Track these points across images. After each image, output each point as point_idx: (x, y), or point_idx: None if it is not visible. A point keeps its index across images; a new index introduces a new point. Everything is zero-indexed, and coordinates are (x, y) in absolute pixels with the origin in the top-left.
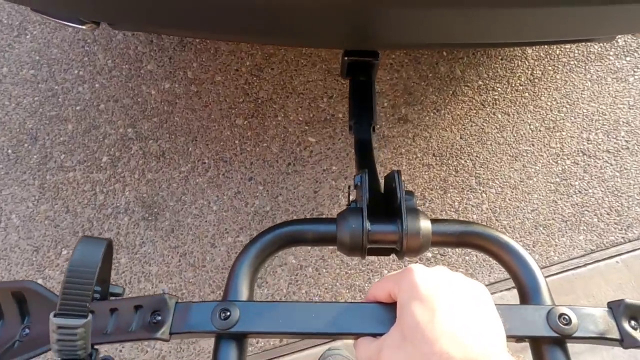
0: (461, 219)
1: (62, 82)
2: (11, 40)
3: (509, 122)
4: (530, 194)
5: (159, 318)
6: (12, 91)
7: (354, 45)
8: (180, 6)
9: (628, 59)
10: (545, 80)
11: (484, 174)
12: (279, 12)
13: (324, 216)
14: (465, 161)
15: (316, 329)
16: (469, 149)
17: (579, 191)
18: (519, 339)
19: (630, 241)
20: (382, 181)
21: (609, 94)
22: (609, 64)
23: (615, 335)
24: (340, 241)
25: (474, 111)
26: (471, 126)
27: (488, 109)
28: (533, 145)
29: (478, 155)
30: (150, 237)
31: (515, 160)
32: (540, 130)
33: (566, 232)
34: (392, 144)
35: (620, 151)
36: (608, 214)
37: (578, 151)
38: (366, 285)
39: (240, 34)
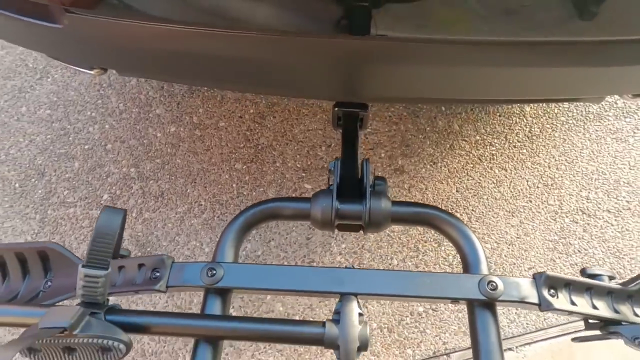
0: (423, 202)
1: (75, 122)
2: (33, 82)
3: (506, 177)
4: (528, 251)
5: (158, 274)
6: (27, 129)
7: (343, 98)
8: (183, 61)
9: (628, 119)
10: (543, 137)
11: (479, 228)
12: (281, 70)
13: (314, 263)
14: (461, 214)
15: (287, 286)
16: (464, 202)
17: (579, 251)
18: (454, 300)
19: None
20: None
21: (608, 153)
22: (609, 124)
23: (535, 300)
24: (313, 217)
25: (471, 165)
26: (467, 180)
27: (485, 164)
28: (531, 201)
29: (474, 209)
30: None
31: (512, 215)
32: (538, 187)
33: None
34: (387, 193)
35: (621, 211)
36: None
37: (577, 209)
38: None
39: (239, 84)
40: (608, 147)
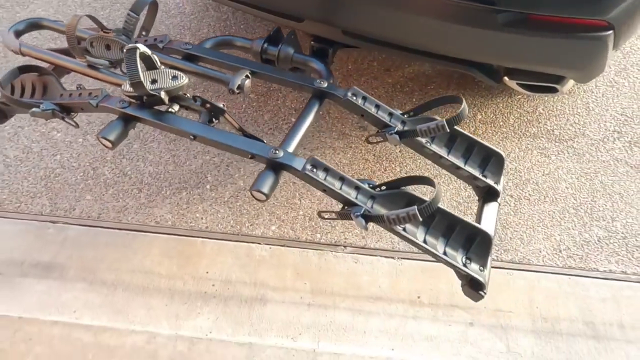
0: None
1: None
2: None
3: None
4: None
5: (155, 39)
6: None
7: (317, 30)
8: None
9: (557, 144)
10: (482, 137)
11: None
12: None
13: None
14: (395, 167)
15: (218, 59)
16: (401, 160)
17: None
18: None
19: (503, 261)
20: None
21: (530, 160)
22: (540, 143)
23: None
24: (250, 48)
25: None
26: None
27: None
28: (450, 176)
29: (406, 166)
30: None
31: (435, 178)
32: None
33: None
34: (347, 139)
35: (521, 200)
36: None
37: None
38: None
39: None
40: (532, 157)
